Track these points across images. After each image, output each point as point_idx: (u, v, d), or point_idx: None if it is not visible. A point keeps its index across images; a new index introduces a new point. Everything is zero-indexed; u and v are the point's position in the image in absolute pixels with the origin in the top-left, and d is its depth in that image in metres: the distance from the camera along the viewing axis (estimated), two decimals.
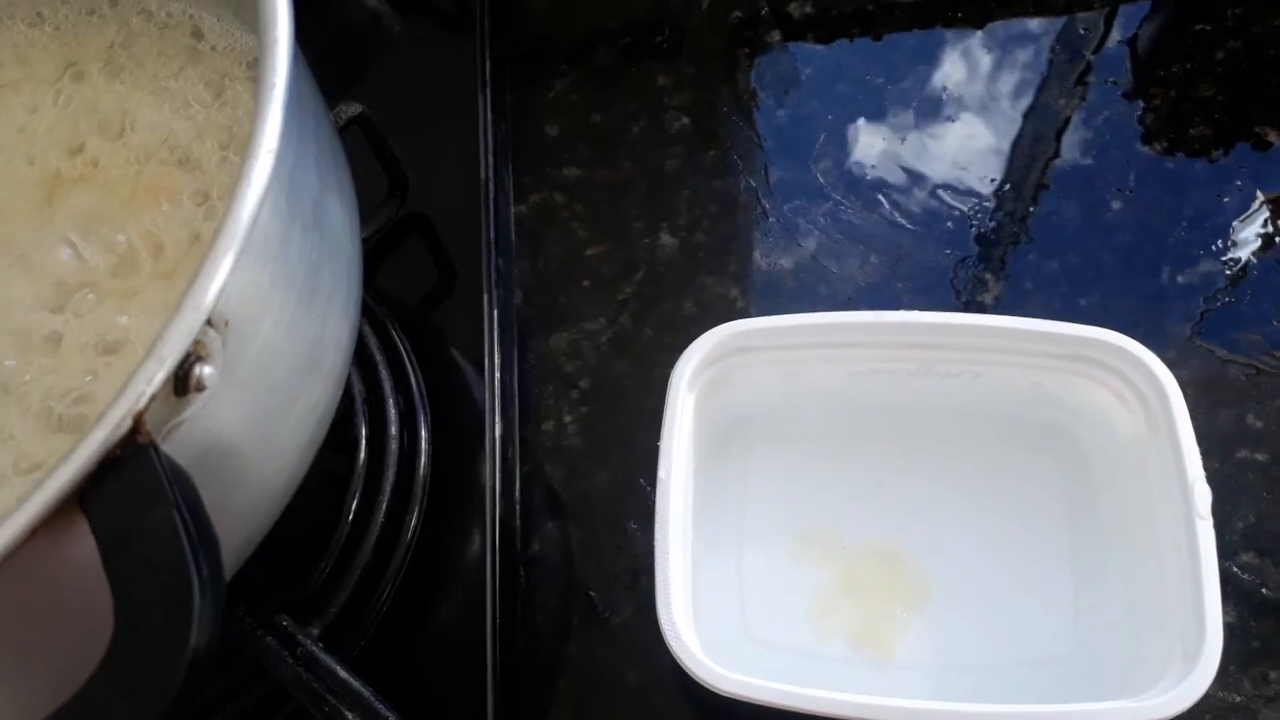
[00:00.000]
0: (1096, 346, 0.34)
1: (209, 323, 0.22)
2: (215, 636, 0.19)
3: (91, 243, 0.29)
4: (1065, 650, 0.33)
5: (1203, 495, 0.31)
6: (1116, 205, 0.44)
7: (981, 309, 0.42)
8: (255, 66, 0.23)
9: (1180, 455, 0.31)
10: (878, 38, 0.49)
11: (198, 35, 0.31)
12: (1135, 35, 0.47)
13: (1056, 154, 0.45)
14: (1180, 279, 0.42)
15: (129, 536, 0.19)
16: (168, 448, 0.21)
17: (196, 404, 0.22)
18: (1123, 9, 0.48)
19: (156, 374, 0.20)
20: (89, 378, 0.27)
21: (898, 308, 0.43)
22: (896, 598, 0.35)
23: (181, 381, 0.21)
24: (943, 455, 0.37)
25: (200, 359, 0.22)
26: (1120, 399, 0.34)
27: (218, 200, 0.28)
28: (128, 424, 0.20)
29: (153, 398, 0.20)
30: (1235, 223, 0.43)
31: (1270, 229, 0.42)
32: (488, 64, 0.47)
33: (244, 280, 0.23)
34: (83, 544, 0.20)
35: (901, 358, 0.35)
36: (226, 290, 0.22)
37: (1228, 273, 0.42)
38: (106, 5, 0.33)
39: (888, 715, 0.28)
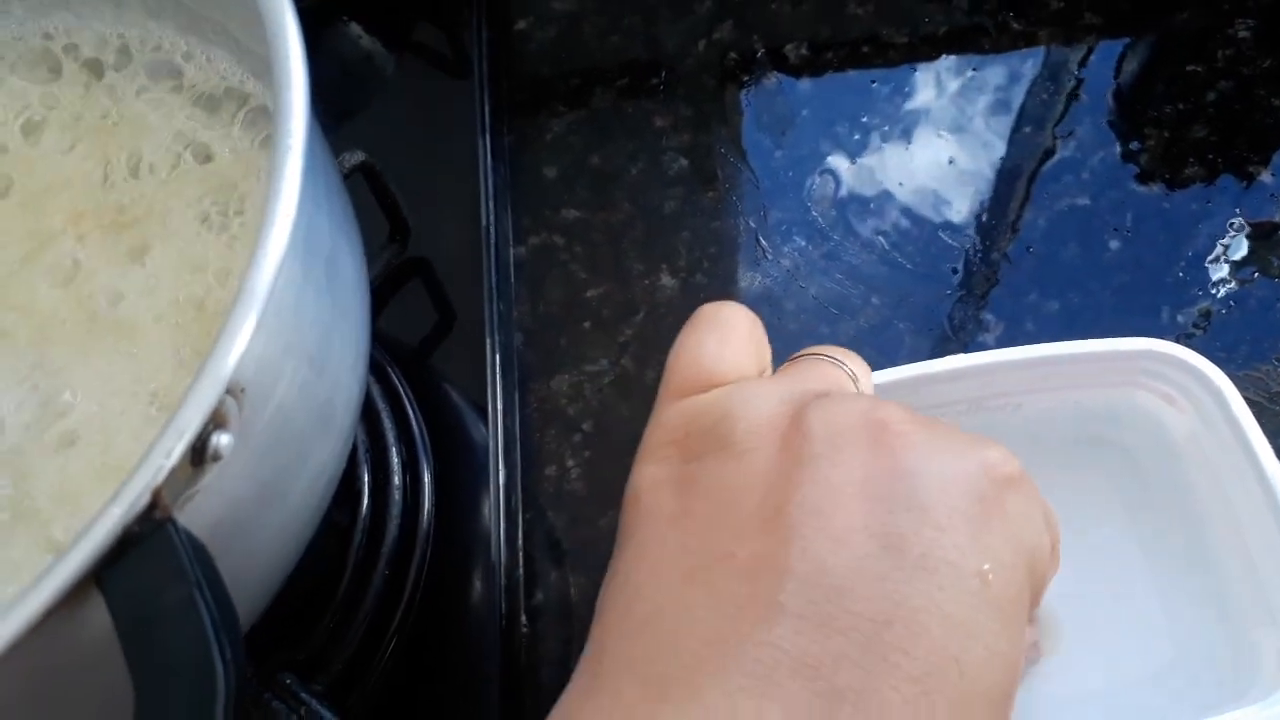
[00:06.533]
0: (1138, 358, 0.33)
1: (227, 391, 0.21)
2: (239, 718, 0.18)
3: None
4: (1169, 661, 0.33)
5: None
6: (1115, 245, 0.44)
7: (983, 349, 0.42)
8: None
9: (1249, 445, 0.31)
10: (874, 78, 0.49)
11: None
12: (1122, 74, 0.47)
13: (1054, 194, 0.45)
14: (1180, 318, 0.42)
15: (149, 618, 0.18)
16: (183, 520, 0.21)
17: (212, 473, 0.22)
18: (1117, 50, 0.48)
19: (175, 446, 0.20)
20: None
21: (900, 349, 0.43)
22: None
23: (199, 452, 0.21)
24: None
25: (218, 428, 0.21)
26: (1168, 400, 0.34)
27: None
28: (146, 499, 0.20)
29: (172, 471, 0.20)
30: (1231, 261, 0.43)
31: (1260, 263, 0.43)
32: (487, 108, 0.47)
33: (261, 345, 0.22)
34: (100, 623, 0.19)
35: (955, 398, 0.35)
36: (245, 357, 0.21)
37: (1224, 312, 0.42)
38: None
39: None
